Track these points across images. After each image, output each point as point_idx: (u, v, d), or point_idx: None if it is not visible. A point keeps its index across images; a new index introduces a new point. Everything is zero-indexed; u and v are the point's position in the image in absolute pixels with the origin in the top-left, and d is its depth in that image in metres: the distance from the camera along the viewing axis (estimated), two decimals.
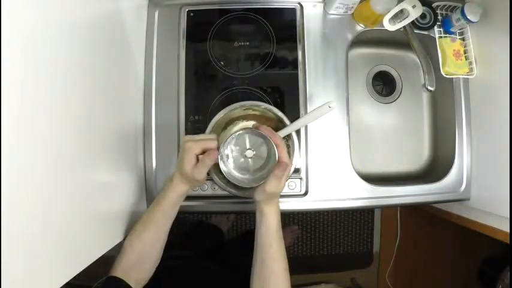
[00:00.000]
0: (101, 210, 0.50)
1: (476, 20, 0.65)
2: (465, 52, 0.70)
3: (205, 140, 0.52)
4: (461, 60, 0.70)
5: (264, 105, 0.63)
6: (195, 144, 0.50)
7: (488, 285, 0.95)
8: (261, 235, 0.52)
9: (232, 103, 0.65)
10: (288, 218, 1.46)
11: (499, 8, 0.63)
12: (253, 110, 0.64)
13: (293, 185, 0.67)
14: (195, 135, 0.53)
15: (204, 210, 0.70)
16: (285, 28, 0.70)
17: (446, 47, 0.70)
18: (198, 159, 0.51)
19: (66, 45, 0.40)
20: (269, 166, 0.57)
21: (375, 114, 0.83)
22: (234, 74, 0.68)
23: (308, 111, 0.68)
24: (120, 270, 0.49)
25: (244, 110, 0.64)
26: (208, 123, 0.63)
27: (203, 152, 0.51)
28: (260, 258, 0.52)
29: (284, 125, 0.61)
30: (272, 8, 0.70)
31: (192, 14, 0.69)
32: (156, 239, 0.54)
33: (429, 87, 0.64)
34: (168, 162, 0.67)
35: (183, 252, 0.72)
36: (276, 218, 0.53)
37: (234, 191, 0.62)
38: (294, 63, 0.69)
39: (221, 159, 0.53)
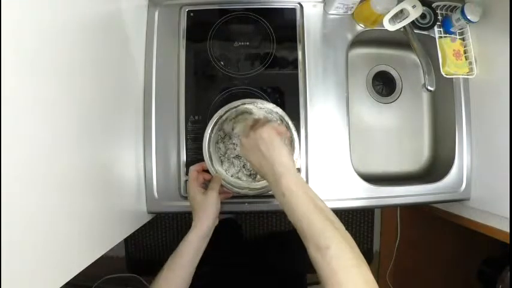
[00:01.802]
0: (100, 210, 0.50)
1: (476, 20, 0.65)
2: (465, 52, 0.70)
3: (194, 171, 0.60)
4: (461, 60, 0.70)
5: (261, 102, 0.62)
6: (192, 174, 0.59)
7: (488, 285, 0.94)
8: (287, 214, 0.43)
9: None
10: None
11: (499, 8, 0.63)
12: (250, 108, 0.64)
13: None
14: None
15: None
16: (285, 28, 0.70)
17: (446, 47, 0.70)
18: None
19: (66, 45, 0.40)
20: None
21: (375, 114, 0.83)
22: (234, 74, 0.68)
23: (308, 111, 0.68)
24: None
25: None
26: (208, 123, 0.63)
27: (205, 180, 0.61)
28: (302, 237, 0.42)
29: (286, 123, 0.62)
30: (272, 8, 0.70)
31: (192, 14, 0.69)
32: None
33: (429, 87, 0.64)
34: (168, 162, 0.67)
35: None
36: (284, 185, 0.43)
37: (236, 190, 0.62)
38: (294, 63, 0.69)
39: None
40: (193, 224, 0.56)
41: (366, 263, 0.38)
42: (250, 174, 0.64)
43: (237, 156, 0.64)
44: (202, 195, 0.57)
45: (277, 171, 0.45)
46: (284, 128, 0.53)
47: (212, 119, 0.61)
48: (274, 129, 0.49)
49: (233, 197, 0.64)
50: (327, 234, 0.39)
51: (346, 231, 0.41)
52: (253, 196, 0.62)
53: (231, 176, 0.63)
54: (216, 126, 0.62)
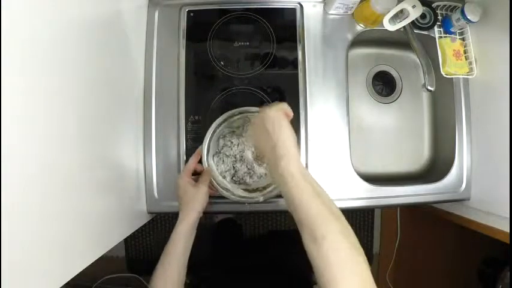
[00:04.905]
0: (100, 211, 0.50)
1: (476, 20, 0.65)
2: (465, 52, 0.70)
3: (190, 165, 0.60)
4: (461, 60, 0.70)
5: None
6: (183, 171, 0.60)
7: (488, 285, 0.94)
8: (287, 203, 0.41)
9: (232, 103, 0.65)
10: (289, 219, 1.46)
11: (499, 8, 0.63)
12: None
13: None
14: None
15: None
16: (285, 28, 0.70)
17: (446, 47, 0.70)
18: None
19: (66, 45, 0.40)
20: None
21: (375, 114, 0.83)
22: (234, 74, 0.68)
23: (308, 111, 0.68)
24: None
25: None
26: (208, 125, 0.63)
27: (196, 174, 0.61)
28: (301, 230, 0.39)
29: None
30: (272, 8, 0.70)
31: (192, 14, 0.69)
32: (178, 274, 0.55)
33: (429, 87, 0.64)
34: (168, 162, 0.67)
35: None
36: (293, 176, 0.40)
37: (220, 189, 0.62)
38: (294, 63, 0.69)
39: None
40: (180, 216, 0.57)
41: (365, 257, 0.35)
42: (232, 177, 0.64)
43: (230, 155, 0.64)
44: (193, 187, 0.58)
45: (279, 152, 0.42)
46: (291, 112, 0.50)
47: (224, 114, 0.62)
48: (283, 110, 0.47)
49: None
50: (324, 223, 0.36)
51: (345, 222, 0.38)
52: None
53: (220, 173, 0.64)
54: (225, 123, 0.63)
